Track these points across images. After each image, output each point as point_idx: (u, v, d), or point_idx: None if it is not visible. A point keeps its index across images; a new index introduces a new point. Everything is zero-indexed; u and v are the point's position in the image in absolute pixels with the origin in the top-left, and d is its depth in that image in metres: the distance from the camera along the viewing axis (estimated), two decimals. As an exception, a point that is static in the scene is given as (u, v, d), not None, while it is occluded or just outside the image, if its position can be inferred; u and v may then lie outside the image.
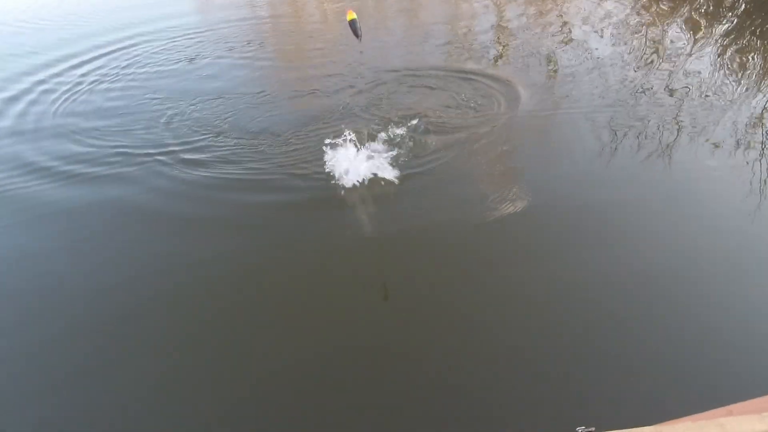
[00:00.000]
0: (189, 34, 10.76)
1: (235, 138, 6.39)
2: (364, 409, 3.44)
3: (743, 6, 9.64)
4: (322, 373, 3.65)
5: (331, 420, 3.37)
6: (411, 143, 6.04)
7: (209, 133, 6.54)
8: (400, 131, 6.28)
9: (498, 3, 11.89)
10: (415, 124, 6.48)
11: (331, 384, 3.58)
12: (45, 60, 9.61)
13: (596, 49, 8.68)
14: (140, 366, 3.72)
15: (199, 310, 4.18)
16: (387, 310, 4.02)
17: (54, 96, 8.09)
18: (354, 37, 4.88)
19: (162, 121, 7.03)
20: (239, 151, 6.07)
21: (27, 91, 8.39)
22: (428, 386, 3.56)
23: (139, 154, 6.20)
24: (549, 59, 8.30)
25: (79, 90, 8.20)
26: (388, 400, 3.48)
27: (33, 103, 7.94)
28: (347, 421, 3.36)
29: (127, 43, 10.38)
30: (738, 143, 5.89)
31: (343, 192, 5.22)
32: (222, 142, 6.34)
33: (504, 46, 9.31)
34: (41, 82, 8.64)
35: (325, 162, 5.59)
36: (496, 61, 8.68)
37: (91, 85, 8.43)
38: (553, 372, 3.62)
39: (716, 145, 5.85)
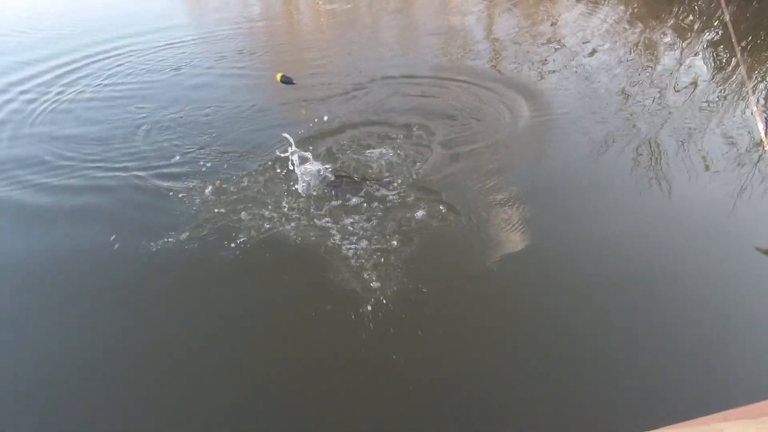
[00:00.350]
0: (182, 40, 10.70)
1: (221, 152, 6.33)
2: (364, 409, 3.43)
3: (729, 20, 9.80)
4: (323, 373, 3.64)
5: (331, 420, 3.36)
6: (407, 155, 6.06)
7: (194, 148, 6.44)
8: (399, 142, 6.30)
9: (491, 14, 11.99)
10: (413, 133, 6.52)
11: (332, 384, 3.56)
12: (23, 67, 9.54)
13: (589, 62, 8.80)
14: (140, 366, 3.69)
15: (202, 310, 4.16)
16: (387, 311, 4.00)
17: (31, 106, 7.98)
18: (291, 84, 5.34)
19: (142, 132, 6.94)
20: (224, 165, 6.00)
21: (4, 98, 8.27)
22: (428, 386, 3.55)
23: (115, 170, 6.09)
24: (541, 73, 8.35)
25: (57, 102, 8.07)
26: (387, 401, 3.47)
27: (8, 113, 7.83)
28: (347, 421, 3.35)
29: (113, 46, 10.35)
30: (733, 154, 5.97)
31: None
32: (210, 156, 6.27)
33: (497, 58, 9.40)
34: (20, 90, 8.54)
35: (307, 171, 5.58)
36: (494, 67, 8.77)
37: (72, 95, 8.32)
38: (553, 374, 3.63)
39: (710, 159, 5.90)
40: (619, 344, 3.86)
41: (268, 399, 3.47)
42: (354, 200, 5.15)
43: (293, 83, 5.36)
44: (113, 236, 4.85)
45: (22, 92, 8.49)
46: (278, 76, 5.22)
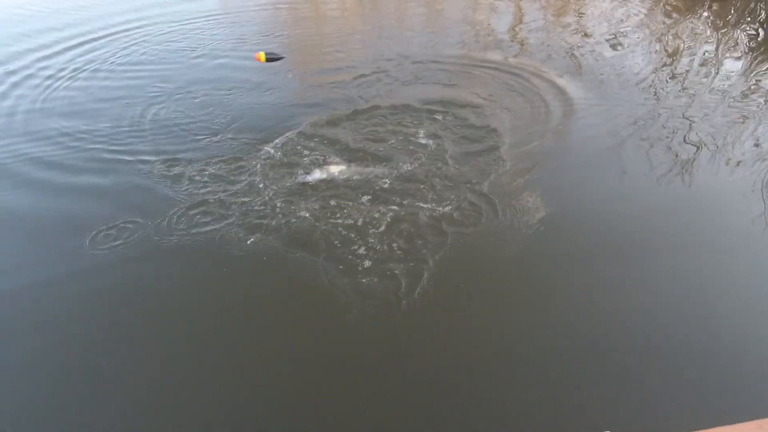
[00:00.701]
0: (205, 16, 10.61)
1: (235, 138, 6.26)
2: (364, 409, 3.43)
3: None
4: (323, 373, 3.64)
5: (332, 420, 3.36)
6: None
7: (205, 135, 6.35)
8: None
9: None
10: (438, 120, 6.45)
11: (332, 384, 3.56)
12: (34, 42, 9.51)
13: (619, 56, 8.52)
14: (140, 366, 3.70)
15: (202, 309, 4.15)
16: (389, 311, 3.98)
17: (41, 81, 7.99)
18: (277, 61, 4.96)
19: (154, 115, 6.90)
20: (234, 155, 5.88)
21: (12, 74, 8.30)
22: (429, 385, 3.55)
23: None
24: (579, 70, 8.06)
25: (58, 84, 8.01)
26: (388, 400, 3.47)
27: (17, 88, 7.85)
28: (347, 421, 3.35)
29: (129, 26, 10.27)
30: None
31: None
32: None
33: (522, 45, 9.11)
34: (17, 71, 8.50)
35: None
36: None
37: (87, 73, 8.30)
38: (553, 373, 3.61)
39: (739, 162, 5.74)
40: (642, 347, 3.79)
41: (268, 399, 3.47)
42: (364, 198, 5.08)
43: (281, 58, 4.96)
44: (114, 232, 4.80)
45: (38, 64, 8.51)
46: (261, 56, 4.75)
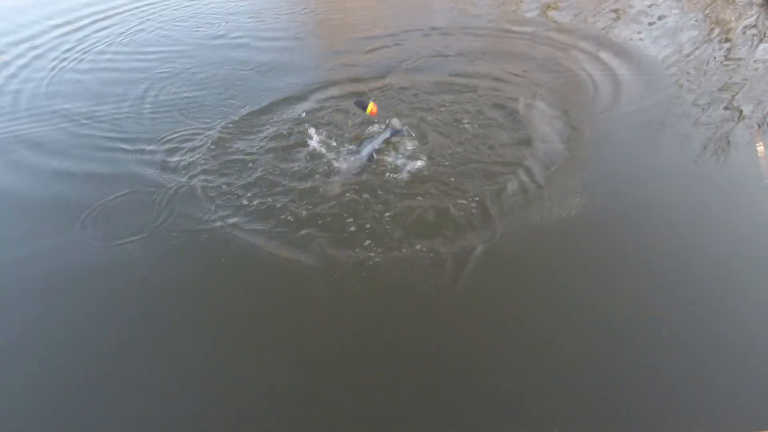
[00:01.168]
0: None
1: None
2: (369, 410, 3.27)
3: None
4: (330, 371, 3.48)
5: (331, 419, 3.21)
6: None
7: (210, 122, 6.07)
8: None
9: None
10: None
11: (332, 383, 3.40)
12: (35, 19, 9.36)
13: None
14: (140, 372, 3.56)
15: (203, 310, 3.99)
16: (395, 308, 3.84)
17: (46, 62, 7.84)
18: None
19: (153, 101, 6.67)
20: (240, 146, 5.56)
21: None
22: (442, 382, 3.37)
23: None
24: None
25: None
26: (389, 400, 3.30)
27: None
28: (346, 420, 3.21)
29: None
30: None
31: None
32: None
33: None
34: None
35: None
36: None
37: (92, 54, 8.12)
38: (587, 367, 3.42)
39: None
40: (672, 349, 3.52)
41: (269, 399, 3.34)
42: (382, 181, 4.83)
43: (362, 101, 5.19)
44: (115, 231, 4.57)
45: (35, 47, 8.35)
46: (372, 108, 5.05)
